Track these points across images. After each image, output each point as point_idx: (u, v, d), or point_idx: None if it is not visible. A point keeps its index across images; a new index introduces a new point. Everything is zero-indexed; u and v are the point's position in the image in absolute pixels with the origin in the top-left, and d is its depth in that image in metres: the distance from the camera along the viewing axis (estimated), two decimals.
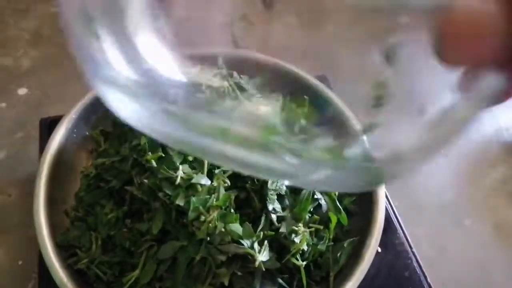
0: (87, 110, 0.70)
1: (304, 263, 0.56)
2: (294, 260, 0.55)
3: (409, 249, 0.73)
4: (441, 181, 0.96)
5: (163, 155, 0.54)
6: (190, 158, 0.54)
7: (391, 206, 0.77)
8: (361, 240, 0.62)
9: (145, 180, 0.53)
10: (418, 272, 0.71)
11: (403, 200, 0.90)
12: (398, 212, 0.77)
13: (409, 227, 0.76)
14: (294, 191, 0.59)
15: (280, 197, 0.57)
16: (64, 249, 0.59)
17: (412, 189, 0.94)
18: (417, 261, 0.72)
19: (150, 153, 0.54)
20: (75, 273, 0.57)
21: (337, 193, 0.62)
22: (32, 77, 1.01)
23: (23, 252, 0.75)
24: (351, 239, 0.62)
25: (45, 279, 0.58)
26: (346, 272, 0.61)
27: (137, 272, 0.54)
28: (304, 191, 0.57)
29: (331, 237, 0.61)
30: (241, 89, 0.70)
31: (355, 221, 0.64)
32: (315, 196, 0.58)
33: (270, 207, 0.54)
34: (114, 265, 0.57)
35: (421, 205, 0.92)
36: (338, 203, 0.60)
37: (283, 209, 0.56)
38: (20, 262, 0.75)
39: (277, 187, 0.56)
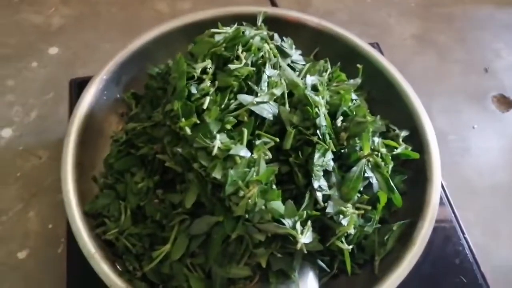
0: (118, 70, 0.65)
1: (350, 247, 0.51)
2: (339, 244, 0.49)
3: (460, 234, 0.67)
4: (494, 160, 0.88)
5: (198, 122, 0.49)
6: (228, 127, 0.49)
7: (441, 185, 0.70)
8: (412, 222, 0.56)
9: (179, 150, 0.48)
10: (471, 259, 0.64)
11: (452, 181, 0.83)
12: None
13: (458, 210, 0.69)
14: (342, 167, 0.53)
15: (326, 173, 0.51)
16: (92, 217, 0.56)
17: (462, 168, 0.87)
18: (469, 247, 0.66)
19: (183, 119, 0.49)
20: (103, 244, 0.54)
21: (389, 171, 0.56)
22: (63, 36, 0.97)
23: (54, 216, 0.74)
24: (401, 222, 0.56)
25: (73, 246, 0.55)
26: (393, 257, 0.55)
27: (168, 246, 0.50)
28: (355, 168, 0.51)
29: (377, 218, 0.56)
30: (284, 53, 0.63)
31: (404, 201, 0.57)
32: (365, 174, 0.52)
33: (315, 185, 0.49)
34: (144, 237, 0.54)
35: (471, 186, 0.85)
36: (391, 182, 0.54)
37: (330, 187, 0.50)
38: (50, 226, 0.73)
39: (324, 162, 0.50)
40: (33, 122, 0.84)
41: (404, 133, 0.62)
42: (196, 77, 0.51)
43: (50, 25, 0.99)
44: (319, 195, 0.49)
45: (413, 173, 0.61)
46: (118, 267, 0.53)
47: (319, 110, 0.51)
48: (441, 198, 0.68)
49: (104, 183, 0.59)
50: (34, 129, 0.83)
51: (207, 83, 0.50)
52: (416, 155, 0.59)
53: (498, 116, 0.93)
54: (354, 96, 0.59)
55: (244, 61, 0.52)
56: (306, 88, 0.53)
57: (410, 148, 0.61)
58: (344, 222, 0.49)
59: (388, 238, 0.56)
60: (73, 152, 0.57)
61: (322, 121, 0.51)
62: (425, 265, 0.63)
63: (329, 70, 0.63)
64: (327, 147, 0.50)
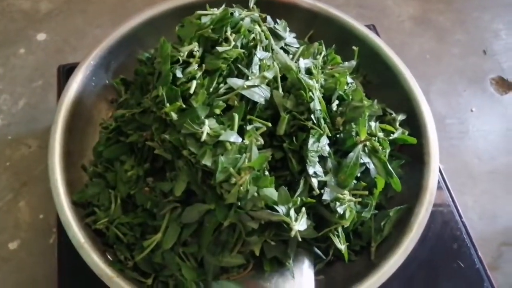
0: (107, 56, 0.63)
1: (344, 246, 0.50)
2: (335, 240, 0.49)
3: (458, 218, 0.66)
4: (493, 144, 0.87)
5: (184, 106, 0.47)
6: (217, 111, 0.47)
7: (439, 169, 0.69)
8: (409, 208, 0.55)
9: (166, 136, 0.47)
10: (468, 244, 0.64)
11: (450, 164, 0.82)
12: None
13: (456, 194, 0.68)
14: (337, 152, 0.52)
15: (322, 159, 0.49)
16: (81, 206, 0.54)
17: (461, 152, 0.85)
18: (467, 232, 0.65)
19: (168, 104, 0.47)
20: (93, 233, 0.53)
21: (387, 155, 0.54)
22: (51, 22, 0.94)
23: (45, 206, 0.72)
24: (398, 207, 0.55)
25: (64, 236, 0.54)
26: (390, 243, 0.54)
27: (159, 235, 0.49)
28: (351, 154, 0.50)
29: (374, 204, 0.55)
30: (277, 36, 0.61)
31: (401, 186, 0.56)
32: (362, 160, 0.51)
33: (310, 171, 0.47)
34: (135, 226, 0.52)
35: (470, 170, 0.83)
36: (389, 166, 0.52)
37: (325, 173, 0.49)
38: (41, 216, 0.72)
39: (319, 148, 0.48)
40: (21, 110, 0.82)
41: (401, 117, 0.61)
42: (181, 61, 0.49)
43: (38, 10, 0.96)
44: (314, 181, 0.47)
45: (410, 157, 0.59)
46: (109, 257, 0.52)
47: (313, 94, 0.49)
48: (438, 182, 0.67)
49: (94, 171, 0.57)
50: (23, 117, 0.81)
51: (194, 66, 0.48)
52: (413, 140, 0.58)
53: (496, 99, 0.92)
54: (349, 79, 0.58)
55: (233, 43, 0.50)
56: (299, 71, 0.52)
57: (407, 132, 0.59)
58: (340, 210, 0.47)
59: (384, 224, 0.55)
60: (61, 140, 0.55)
61: (317, 105, 0.49)
62: (423, 250, 0.62)
63: (323, 53, 0.61)
64: (321, 132, 0.49)
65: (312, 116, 0.50)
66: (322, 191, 0.48)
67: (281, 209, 0.45)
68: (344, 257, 0.52)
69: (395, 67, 0.62)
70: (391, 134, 0.58)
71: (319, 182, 0.48)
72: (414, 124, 0.60)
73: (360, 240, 0.56)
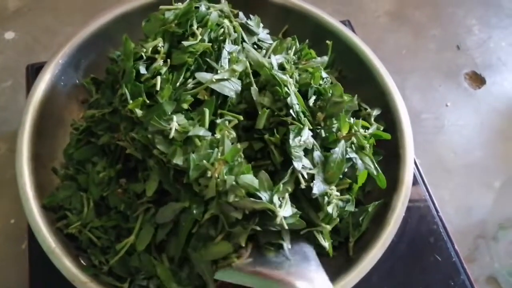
0: (76, 54, 0.61)
1: (327, 244, 0.50)
2: (319, 238, 0.48)
3: (435, 212, 0.66)
4: (467, 138, 0.88)
5: (148, 102, 0.45)
6: (185, 106, 0.45)
7: (416, 164, 0.69)
8: (386, 203, 0.55)
9: (134, 135, 0.45)
10: (445, 238, 0.64)
11: (426, 159, 0.83)
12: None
13: (433, 188, 0.69)
14: (323, 145, 0.51)
15: (307, 152, 0.48)
16: (52, 211, 0.52)
17: (436, 147, 0.86)
18: (443, 226, 0.65)
19: (131, 101, 0.45)
20: (65, 238, 0.51)
21: (372, 150, 0.54)
22: (20, 20, 0.91)
23: (16, 211, 0.70)
24: (375, 203, 0.55)
25: (35, 242, 0.52)
26: (368, 238, 0.54)
27: (132, 238, 0.48)
28: (336, 149, 0.49)
29: (354, 199, 0.54)
30: (249, 31, 0.60)
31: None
32: (348, 155, 0.50)
33: (298, 166, 0.46)
34: (109, 229, 0.51)
35: (446, 164, 0.84)
36: (375, 163, 0.52)
37: (312, 165, 0.48)
38: (12, 221, 0.70)
39: (302, 142, 0.47)
40: None
41: (375, 112, 0.61)
42: (146, 58, 0.48)
43: (6, 8, 0.93)
44: (304, 173, 0.46)
45: (386, 152, 0.60)
46: (82, 262, 0.50)
47: (289, 89, 0.49)
48: (415, 177, 0.67)
49: (65, 174, 0.55)
50: None
51: (159, 62, 0.47)
52: (387, 136, 0.58)
53: (470, 93, 0.93)
54: (324, 74, 0.57)
55: (199, 37, 0.48)
56: (272, 67, 0.51)
57: (382, 127, 0.59)
58: (329, 209, 0.47)
59: (363, 219, 0.55)
60: (29, 142, 0.53)
61: (294, 99, 0.48)
62: (400, 245, 0.62)
63: (294, 48, 0.61)
64: (301, 126, 0.48)
65: (291, 111, 0.49)
66: (311, 184, 0.46)
67: (264, 196, 0.43)
68: (326, 253, 0.51)
69: (369, 62, 0.62)
70: (366, 130, 0.58)
71: (307, 174, 0.47)
72: (389, 118, 0.60)
73: (338, 236, 0.56)
